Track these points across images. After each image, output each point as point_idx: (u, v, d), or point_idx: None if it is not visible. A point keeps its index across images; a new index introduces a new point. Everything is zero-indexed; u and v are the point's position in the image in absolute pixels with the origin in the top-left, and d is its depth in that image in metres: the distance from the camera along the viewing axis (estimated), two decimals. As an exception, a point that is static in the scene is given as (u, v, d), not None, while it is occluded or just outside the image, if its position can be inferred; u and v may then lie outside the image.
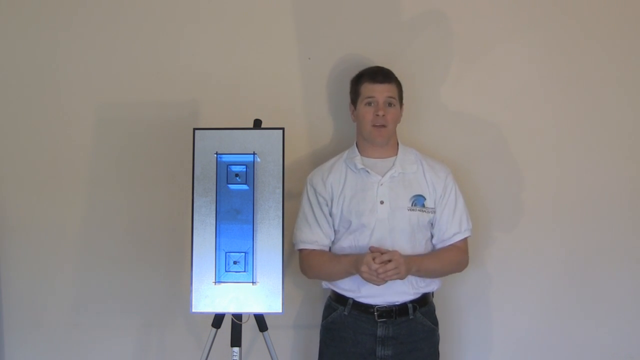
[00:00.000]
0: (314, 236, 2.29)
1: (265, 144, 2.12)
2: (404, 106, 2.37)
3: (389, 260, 2.08)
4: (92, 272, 2.61)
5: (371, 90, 2.26)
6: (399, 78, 2.33)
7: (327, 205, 2.29)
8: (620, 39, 2.60)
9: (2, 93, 2.62)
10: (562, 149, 2.60)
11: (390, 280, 2.11)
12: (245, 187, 2.12)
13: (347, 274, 2.21)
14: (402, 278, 2.13)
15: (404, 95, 2.36)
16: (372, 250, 2.13)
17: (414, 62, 2.57)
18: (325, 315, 2.34)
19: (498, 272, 2.60)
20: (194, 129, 2.15)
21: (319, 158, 2.51)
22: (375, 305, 2.23)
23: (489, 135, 2.59)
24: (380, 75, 2.28)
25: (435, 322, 2.33)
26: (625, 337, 2.61)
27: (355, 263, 2.14)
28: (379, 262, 2.08)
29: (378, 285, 2.12)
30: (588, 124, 2.60)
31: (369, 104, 2.26)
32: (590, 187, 2.59)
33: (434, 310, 2.35)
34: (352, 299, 2.26)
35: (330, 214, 2.29)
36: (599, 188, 2.59)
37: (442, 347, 2.36)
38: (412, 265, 2.15)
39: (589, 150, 2.60)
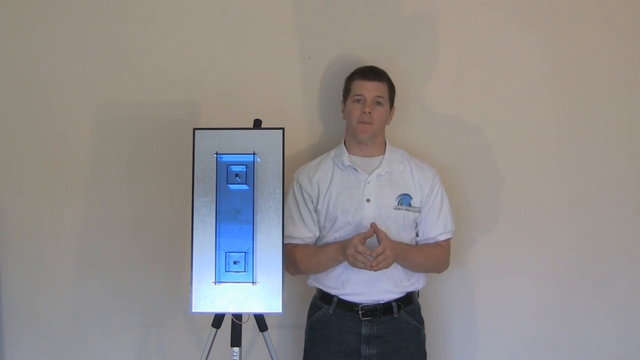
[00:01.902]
0: (297, 232, 2.29)
1: (265, 144, 2.12)
2: (395, 108, 2.37)
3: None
4: (91, 272, 2.61)
5: (361, 88, 2.28)
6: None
7: (312, 202, 2.29)
8: (619, 40, 2.60)
9: (1, 93, 2.62)
10: (559, 150, 2.60)
11: (379, 269, 2.10)
12: (245, 187, 2.12)
13: (335, 261, 2.21)
14: (388, 267, 2.13)
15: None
16: (372, 227, 2.12)
17: (414, 62, 2.57)
18: (310, 314, 2.34)
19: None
20: (194, 129, 2.15)
21: (319, 158, 2.51)
22: (360, 304, 2.23)
23: (483, 137, 2.59)
24: (372, 73, 2.30)
25: (420, 321, 2.33)
26: (615, 336, 2.61)
27: (342, 248, 2.15)
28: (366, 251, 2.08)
29: (364, 269, 2.10)
30: (585, 125, 2.60)
31: (358, 100, 2.28)
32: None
33: (419, 310, 2.34)
34: (336, 297, 2.25)
35: (316, 211, 2.29)
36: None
37: (429, 347, 2.36)
38: (399, 254, 2.15)
39: (582, 152, 2.59)
